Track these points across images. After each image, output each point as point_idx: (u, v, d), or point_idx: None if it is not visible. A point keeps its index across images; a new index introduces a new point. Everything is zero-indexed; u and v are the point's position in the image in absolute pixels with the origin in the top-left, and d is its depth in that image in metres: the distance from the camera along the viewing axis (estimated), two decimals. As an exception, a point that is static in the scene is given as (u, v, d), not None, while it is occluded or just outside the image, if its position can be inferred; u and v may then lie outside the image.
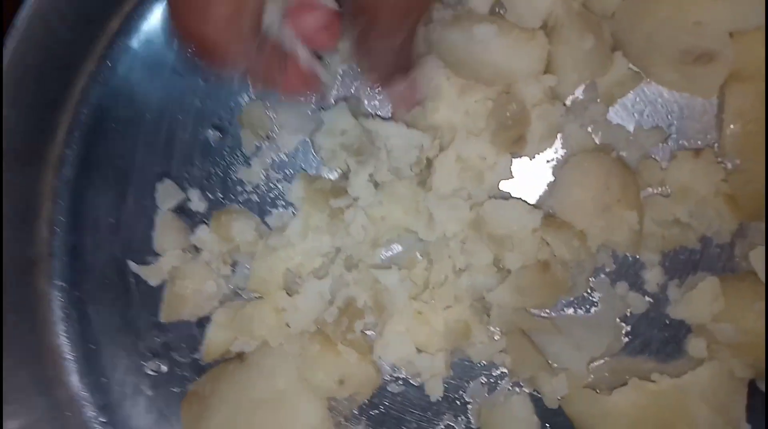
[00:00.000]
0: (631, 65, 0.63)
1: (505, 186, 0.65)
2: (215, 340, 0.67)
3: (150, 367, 0.70)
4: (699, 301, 0.61)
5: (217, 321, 0.67)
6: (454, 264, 0.64)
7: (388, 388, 0.67)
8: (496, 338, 0.65)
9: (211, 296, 0.68)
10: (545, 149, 0.64)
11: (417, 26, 0.52)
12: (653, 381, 0.61)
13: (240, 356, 0.67)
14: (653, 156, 0.64)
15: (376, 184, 0.64)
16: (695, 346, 0.62)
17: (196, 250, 0.68)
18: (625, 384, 0.62)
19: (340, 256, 0.65)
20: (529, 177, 0.66)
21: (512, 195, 0.65)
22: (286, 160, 0.69)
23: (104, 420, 0.70)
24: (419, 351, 0.64)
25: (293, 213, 0.68)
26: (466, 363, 0.66)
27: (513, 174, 0.64)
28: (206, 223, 0.69)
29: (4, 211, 0.66)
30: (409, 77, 0.58)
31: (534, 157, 0.65)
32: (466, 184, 0.63)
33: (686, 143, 0.64)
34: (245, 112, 0.69)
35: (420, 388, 0.67)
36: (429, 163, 0.64)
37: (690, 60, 0.59)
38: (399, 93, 0.61)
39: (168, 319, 0.69)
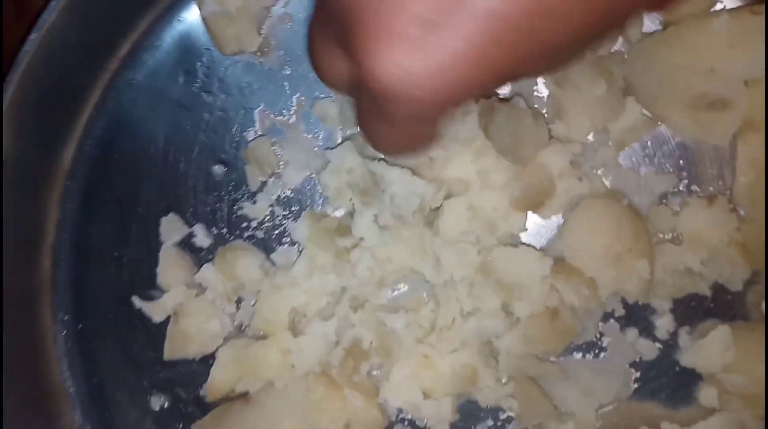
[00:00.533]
0: (643, 111, 0.62)
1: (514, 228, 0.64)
2: (219, 379, 0.66)
3: (154, 403, 0.69)
4: (710, 350, 0.60)
5: (222, 360, 0.66)
6: (462, 307, 0.63)
7: (394, 429, 0.67)
8: (503, 382, 0.64)
9: (216, 334, 0.67)
10: (562, 211, 0.64)
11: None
12: (663, 429, 0.61)
13: (244, 396, 0.66)
14: (664, 202, 0.64)
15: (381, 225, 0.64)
16: (706, 395, 0.62)
17: (201, 286, 0.68)
18: (634, 431, 0.61)
19: (345, 295, 0.65)
20: (537, 218, 0.65)
21: (521, 237, 0.65)
22: (292, 196, 0.68)
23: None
24: (425, 395, 0.64)
25: (299, 250, 0.68)
26: (473, 406, 0.66)
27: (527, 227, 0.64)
28: (211, 260, 0.68)
29: (6, 243, 0.65)
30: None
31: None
32: (476, 229, 0.62)
33: (698, 189, 0.64)
34: (251, 148, 0.68)
35: (426, 429, 0.66)
36: (436, 208, 0.63)
37: (703, 106, 0.59)
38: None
39: (171, 357, 0.68)
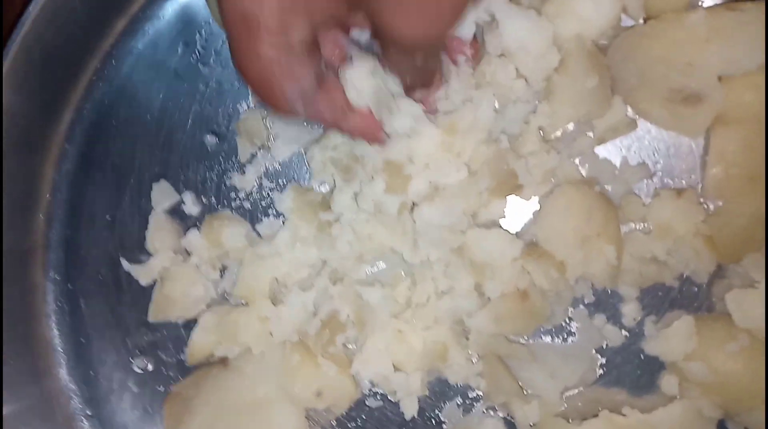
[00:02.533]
0: (628, 113, 0.63)
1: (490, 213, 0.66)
2: (200, 343, 0.68)
3: (137, 365, 0.71)
4: (673, 339, 0.61)
5: (203, 325, 0.68)
6: (437, 286, 0.64)
7: (366, 402, 0.68)
8: (473, 361, 0.65)
9: (199, 299, 0.69)
10: (542, 191, 0.65)
11: (437, 48, 0.53)
12: (624, 414, 0.62)
13: (223, 361, 0.68)
14: (636, 192, 0.65)
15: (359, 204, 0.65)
16: (668, 383, 0.63)
17: (187, 253, 0.70)
18: (596, 415, 0.62)
19: (325, 268, 0.66)
20: (516, 204, 0.66)
21: (500, 222, 0.66)
22: (280, 169, 0.70)
23: (90, 413, 0.71)
24: (396, 369, 0.65)
25: (283, 222, 0.69)
26: (443, 383, 0.67)
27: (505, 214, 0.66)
28: (198, 227, 0.70)
29: (3, 201, 0.67)
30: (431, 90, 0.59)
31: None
32: (454, 218, 0.63)
33: (671, 181, 0.65)
34: (242, 120, 0.70)
35: (397, 404, 0.67)
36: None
37: (679, 99, 0.60)
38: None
39: (156, 319, 0.70)
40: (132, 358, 0.71)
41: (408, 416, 0.67)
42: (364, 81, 0.54)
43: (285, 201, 0.68)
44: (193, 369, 0.70)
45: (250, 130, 0.69)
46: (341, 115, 0.55)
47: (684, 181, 0.65)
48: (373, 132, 0.57)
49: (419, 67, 0.54)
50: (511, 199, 0.66)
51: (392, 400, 0.68)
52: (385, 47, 0.52)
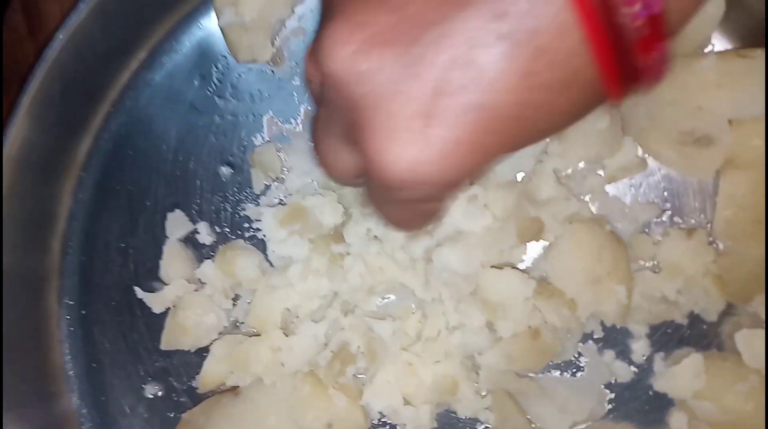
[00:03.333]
0: (638, 153, 0.64)
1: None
2: (212, 371, 0.69)
3: (148, 391, 0.71)
4: (682, 376, 0.62)
5: (215, 354, 0.69)
6: (448, 321, 0.65)
7: (375, 434, 0.69)
8: (482, 394, 0.66)
9: (211, 328, 0.70)
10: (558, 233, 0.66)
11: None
12: (633, 450, 0.63)
13: (234, 390, 0.69)
14: (647, 231, 0.66)
15: (375, 237, 0.66)
16: (677, 420, 0.63)
17: (201, 282, 0.70)
18: (605, 451, 0.63)
19: (337, 300, 0.67)
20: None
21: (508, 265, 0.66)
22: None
23: (101, 437, 0.72)
24: (406, 402, 0.66)
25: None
26: (452, 417, 0.68)
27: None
28: (212, 257, 0.71)
29: (19, 227, 0.68)
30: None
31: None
32: (473, 268, 0.64)
33: (680, 220, 0.66)
34: (258, 152, 0.71)
35: (406, 436, 0.68)
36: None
37: (689, 141, 0.61)
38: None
39: (168, 347, 0.71)
40: (143, 384, 0.71)
41: (417, 449, 0.67)
42: None
43: (298, 232, 0.68)
44: (204, 397, 0.70)
45: (264, 163, 0.70)
46: None
47: (694, 220, 0.65)
48: None
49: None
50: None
51: (401, 432, 0.68)
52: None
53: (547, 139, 0.64)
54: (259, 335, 0.68)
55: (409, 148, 0.40)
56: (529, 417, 0.65)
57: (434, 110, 0.39)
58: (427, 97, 0.39)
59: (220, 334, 0.70)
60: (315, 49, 0.42)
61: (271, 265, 0.70)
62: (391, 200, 0.47)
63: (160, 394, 0.71)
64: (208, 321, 0.70)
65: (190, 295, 0.70)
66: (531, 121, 0.40)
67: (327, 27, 0.41)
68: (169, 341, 0.70)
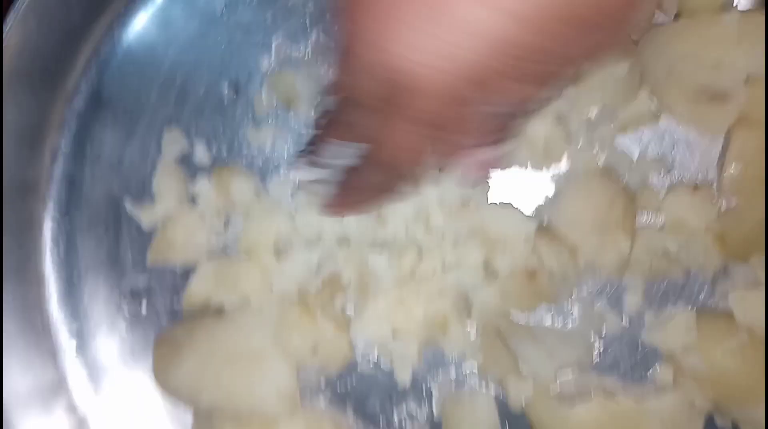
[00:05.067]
0: (652, 106, 0.65)
1: (504, 194, 0.67)
2: (197, 289, 0.68)
3: (129, 307, 0.70)
4: (673, 330, 0.62)
5: (202, 272, 0.68)
6: (444, 260, 0.65)
7: (358, 368, 0.68)
8: (471, 335, 0.66)
9: (200, 247, 0.68)
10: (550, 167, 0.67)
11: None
12: (617, 401, 0.63)
13: (218, 311, 0.68)
14: (651, 185, 0.66)
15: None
16: (662, 373, 0.64)
17: (193, 201, 0.69)
18: (589, 400, 0.63)
19: (333, 227, 0.66)
20: (529, 186, 0.67)
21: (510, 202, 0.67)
22: (296, 129, 0.70)
23: (76, 349, 0.70)
24: (394, 335, 0.65)
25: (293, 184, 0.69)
26: (439, 355, 0.67)
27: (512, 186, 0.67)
28: (207, 177, 0.69)
29: (11, 131, 0.66)
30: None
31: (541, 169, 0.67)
32: None
33: (686, 177, 0.66)
34: (277, 76, 0.69)
35: (389, 372, 0.67)
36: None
37: (704, 99, 0.61)
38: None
39: (154, 262, 0.69)
40: (125, 300, 0.70)
41: (401, 384, 0.67)
42: None
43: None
44: (185, 319, 0.69)
45: (280, 88, 0.69)
46: None
47: (700, 177, 0.66)
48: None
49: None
50: (523, 180, 0.67)
51: (384, 367, 0.68)
52: None
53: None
54: (249, 260, 0.67)
55: (418, 37, 0.41)
56: (517, 360, 0.65)
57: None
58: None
59: (207, 255, 0.69)
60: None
61: (267, 191, 0.69)
62: (402, 114, 0.46)
63: (142, 312, 0.70)
64: (197, 238, 0.68)
65: (181, 212, 0.69)
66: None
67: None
68: (156, 256, 0.69)
